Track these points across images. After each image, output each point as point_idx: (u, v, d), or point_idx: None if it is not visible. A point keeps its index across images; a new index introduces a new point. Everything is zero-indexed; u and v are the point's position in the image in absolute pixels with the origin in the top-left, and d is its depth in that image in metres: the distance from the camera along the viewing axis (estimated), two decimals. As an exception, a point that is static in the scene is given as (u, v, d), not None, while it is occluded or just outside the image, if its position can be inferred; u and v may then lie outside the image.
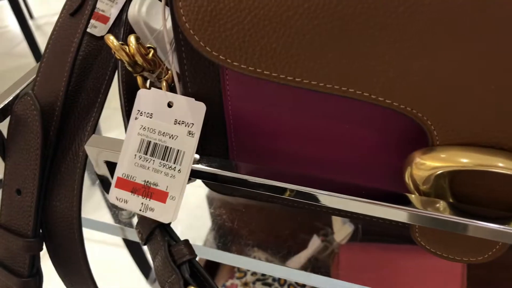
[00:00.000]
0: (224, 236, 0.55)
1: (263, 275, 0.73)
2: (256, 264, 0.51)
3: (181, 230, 0.52)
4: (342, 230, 0.55)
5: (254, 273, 0.73)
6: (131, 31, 0.33)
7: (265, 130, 0.28)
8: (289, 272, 0.48)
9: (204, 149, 0.31)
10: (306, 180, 0.27)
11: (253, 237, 0.58)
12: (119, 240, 0.97)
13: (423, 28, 0.21)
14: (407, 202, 0.26)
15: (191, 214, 0.57)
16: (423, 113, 0.23)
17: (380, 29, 0.21)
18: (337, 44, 0.22)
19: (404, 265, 0.54)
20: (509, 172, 0.23)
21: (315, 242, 0.59)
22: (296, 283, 0.74)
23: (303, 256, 0.60)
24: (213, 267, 0.80)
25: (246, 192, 0.33)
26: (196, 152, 0.30)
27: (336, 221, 0.56)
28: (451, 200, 0.25)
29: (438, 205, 0.25)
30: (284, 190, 0.27)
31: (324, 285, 0.46)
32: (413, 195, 0.26)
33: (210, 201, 0.63)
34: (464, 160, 0.23)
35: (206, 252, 0.47)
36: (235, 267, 0.77)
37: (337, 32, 0.22)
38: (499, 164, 0.23)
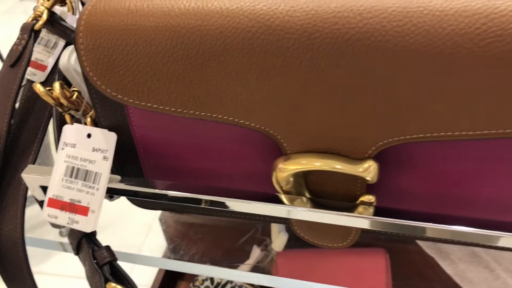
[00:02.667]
0: (178, 251, 0.62)
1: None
2: (207, 269, 0.57)
3: (138, 248, 0.59)
4: (278, 238, 0.61)
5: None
6: (64, 76, 0.40)
7: (168, 151, 0.35)
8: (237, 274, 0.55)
9: (124, 171, 0.38)
10: (209, 191, 0.34)
11: (203, 251, 0.65)
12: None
13: (257, 69, 0.28)
14: (278, 201, 0.32)
15: (150, 232, 0.64)
16: (273, 130, 0.30)
17: (229, 72, 0.28)
18: (202, 82, 0.29)
19: (335, 266, 0.60)
20: (342, 171, 0.30)
21: (256, 252, 0.66)
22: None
23: (246, 266, 0.66)
24: (173, 278, 0.86)
25: (164, 205, 0.40)
26: (117, 174, 0.37)
27: (274, 231, 0.62)
28: (308, 196, 0.32)
29: (299, 200, 0.32)
30: (196, 200, 0.34)
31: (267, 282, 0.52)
32: (282, 195, 0.32)
33: (164, 221, 0.70)
34: (317, 164, 0.30)
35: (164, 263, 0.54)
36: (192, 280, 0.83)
37: (199, 74, 0.29)
38: (337, 166, 0.30)
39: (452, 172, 0.30)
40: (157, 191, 0.34)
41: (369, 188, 0.31)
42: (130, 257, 0.46)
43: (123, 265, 0.35)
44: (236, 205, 0.33)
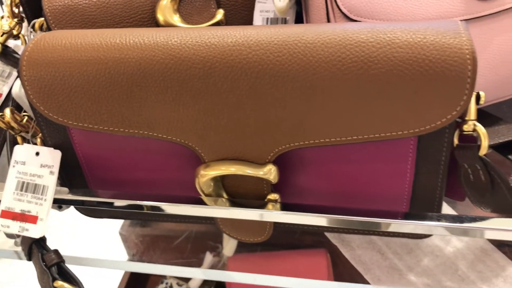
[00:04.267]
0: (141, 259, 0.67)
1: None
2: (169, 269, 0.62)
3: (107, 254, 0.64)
4: (228, 244, 0.66)
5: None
6: (17, 103, 0.45)
7: (108, 164, 0.40)
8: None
9: (72, 183, 0.43)
10: (144, 198, 0.39)
11: (162, 258, 0.70)
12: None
13: (172, 92, 0.34)
14: (202, 203, 0.38)
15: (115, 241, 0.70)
16: (191, 142, 0.36)
17: (149, 96, 0.34)
18: (128, 104, 0.35)
19: (281, 267, 0.66)
20: (250, 174, 0.36)
21: (208, 258, 0.71)
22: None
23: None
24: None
25: (108, 212, 0.45)
26: (65, 186, 0.42)
27: (225, 237, 0.67)
28: (226, 197, 0.38)
29: (219, 201, 0.38)
30: (133, 206, 0.39)
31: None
32: (205, 197, 0.38)
33: (125, 236, 0.75)
34: (231, 169, 0.36)
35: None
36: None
37: (125, 98, 0.35)
38: (246, 171, 0.36)
39: (339, 170, 0.36)
40: (97, 199, 0.40)
41: (276, 187, 0.37)
42: (94, 262, 0.51)
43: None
44: (168, 208, 0.39)
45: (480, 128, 0.31)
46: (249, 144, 0.35)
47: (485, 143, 0.32)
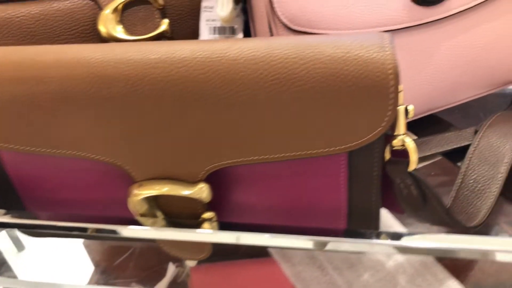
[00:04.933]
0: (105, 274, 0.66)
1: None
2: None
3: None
4: (191, 254, 0.65)
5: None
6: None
7: (41, 185, 0.39)
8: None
9: (7, 205, 0.41)
10: (78, 218, 0.38)
11: (126, 273, 0.69)
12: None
13: (97, 110, 0.33)
14: (139, 224, 0.37)
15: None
16: (120, 162, 0.35)
17: (73, 115, 0.33)
18: (52, 124, 0.34)
19: (246, 277, 0.65)
20: (181, 195, 0.35)
21: (171, 269, 0.70)
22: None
23: (163, 283, 0.70)
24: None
25: (45, 233, 0.43)
26: (4, 208, 0.40)
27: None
28: (161, 216, 0.37)
29: (154, 221, 0.37)
30: (77, 228, 0.38)
31: None
32: (140, 218, 0.37)
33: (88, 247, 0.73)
34: (164, 189, 0.35)
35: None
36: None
37: (49, 118, 0.33)
38: (177, 191, 0.35)
39: (272, 186, 0.35)
40: (29, 221, 0.38)
41: (213, 205, 0.36)
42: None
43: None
44: (108, 228, 0.38)
45: (409, 144, 0.31)
46: (179, 163, 0.34)
47: (414, 158, 0.31)
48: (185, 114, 0.32)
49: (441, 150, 0.46)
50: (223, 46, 0.32)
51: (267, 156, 0.32)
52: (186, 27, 0.51)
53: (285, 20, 0.41)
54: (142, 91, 0.32)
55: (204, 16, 0.49)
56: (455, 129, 0.49)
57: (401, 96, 0.30)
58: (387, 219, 0.40)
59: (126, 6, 0.48)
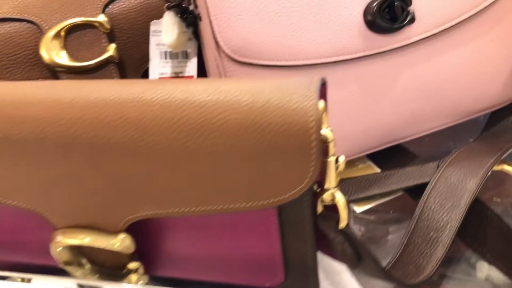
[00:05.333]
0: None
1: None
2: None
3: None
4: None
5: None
6: None
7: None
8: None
9: None
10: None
11: None
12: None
13: (10, 156, 0.30)
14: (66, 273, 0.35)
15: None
16: (39, 209, 0.32)
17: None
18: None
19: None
20: (100, 246, 0.32)
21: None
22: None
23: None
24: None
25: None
26: None
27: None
28: (87, 265, 0.34)
29: (80, 271, 0.34)
30: None
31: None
32: (64, 266, 0.35)
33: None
34: (86, 239, 0.33)
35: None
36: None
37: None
38: (99, 244, 0.32)
39: (201, 238, 0.32)
40: None
41: (141, 255, 0.34)
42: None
43: None
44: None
45: (339, 199, 0.28)
46: (97, 213, 0.31)
47: (343, 215, 0.28)
48: (97, 164, 0.29)
49: (401, 186, 0.43)
50: (140, 88, 0.29)
51: (187, 209, 0.29)
52: (137, 51, 0.48)
53: (228, 51, 0.38)
54: (52, 137, 0.29)
55: (153, 41, 0.47)
56: (419, 162, 0.46)
57: (331, 147, 0.28)
58: (335, 265, 0.37)
59: (70, 30, 0.45)
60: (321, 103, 0.27)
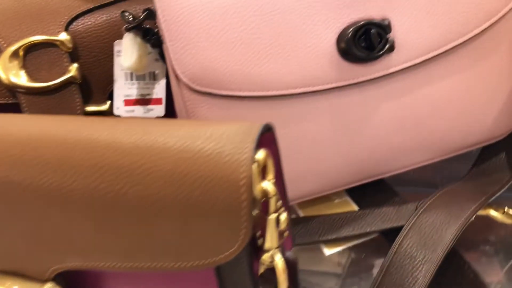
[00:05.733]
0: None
1: None
2: None
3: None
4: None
5: None
6: None
7: None
8: None
9: None
10: None
11: None
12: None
13: None
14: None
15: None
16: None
17: None
18: None
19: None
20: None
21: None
22: None
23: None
24: None
25: None
26: None
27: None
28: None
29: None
30: None
31: None
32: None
33: None
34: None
35: None
36: None
37: None
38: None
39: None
40: None
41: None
42: None
43: None
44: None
45: (278, 262, 0.25)
46: (23, 260, 0.28)
47: (281, 279, 0.25)
48: (16, 208, 0.26)
49: (375, 229, 0.39)
50: (66, 127, 0.26)
51: (113, 265, 0.26)
52: (104, 70, 0.45)
53: (185, 80, 0.35)
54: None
55: (118, 61, 0.44)
56: (398, 202, 0.42)
57: (272, 203, 0.24)
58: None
59: (29, 49, 0.43)
60: (261, 154, 0.24)
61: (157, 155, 0.24)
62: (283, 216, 0.25)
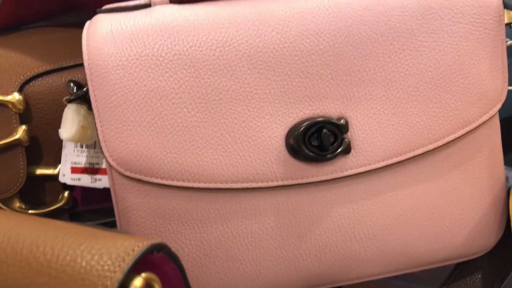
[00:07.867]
0: None
1: None
2: None
3: None
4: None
5: None
6: None
7: None
8: None
9: None
10: None
11: None
12: None
13: None
14: None
15: None
16: None
17: None
18: None
19: None
20: None
21: None
22: None
23: None
24: None
25: None
26: None
27: None
28: None
29: None
30: None
31: None
32: None
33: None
34: None
35: None
36: None
37: None
38: None
39: None
40: None
41: None
42: None
43: None
44: None
45: None
46: None
47: None
48: None
49: None
50: None
51: None
52: (56, 134, 0.43)
53: (113, 163, 0.32)
54: None
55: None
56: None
57: None
58: None
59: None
60: (138, 282, 0.20)
61: (23, 260, 0.20)
62: None
